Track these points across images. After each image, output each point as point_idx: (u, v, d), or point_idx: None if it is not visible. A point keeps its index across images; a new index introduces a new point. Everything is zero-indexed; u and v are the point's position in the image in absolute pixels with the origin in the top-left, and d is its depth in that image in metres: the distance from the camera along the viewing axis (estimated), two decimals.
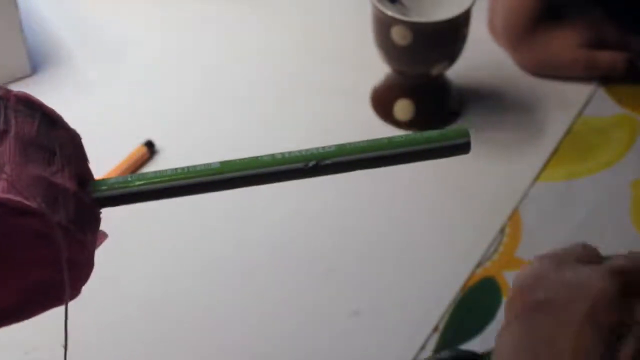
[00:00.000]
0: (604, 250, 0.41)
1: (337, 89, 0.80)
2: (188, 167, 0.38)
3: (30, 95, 0.37)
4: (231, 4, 0.88)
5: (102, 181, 0.38)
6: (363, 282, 0.67)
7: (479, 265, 0.67)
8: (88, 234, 0.36)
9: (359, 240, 0.69)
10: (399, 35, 0.71)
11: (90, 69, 0.82)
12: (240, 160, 0.38)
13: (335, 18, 0.88)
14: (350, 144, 0.39)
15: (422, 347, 0.62)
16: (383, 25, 0.72)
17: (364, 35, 0.77)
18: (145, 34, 0.86)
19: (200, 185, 0.38)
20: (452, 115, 0.78)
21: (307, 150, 0.39)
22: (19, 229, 0.34)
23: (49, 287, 0.37)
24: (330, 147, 0.39)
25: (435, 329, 0.63)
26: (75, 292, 0.37)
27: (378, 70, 0.78)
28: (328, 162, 0.39)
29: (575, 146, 0.76)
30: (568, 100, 0.79)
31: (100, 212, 0.38)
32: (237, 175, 0.38)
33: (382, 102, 0.78)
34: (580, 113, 0.79)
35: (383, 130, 0.76)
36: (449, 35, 0.72)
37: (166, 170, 0.38)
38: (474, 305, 0.65)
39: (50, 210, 0.34)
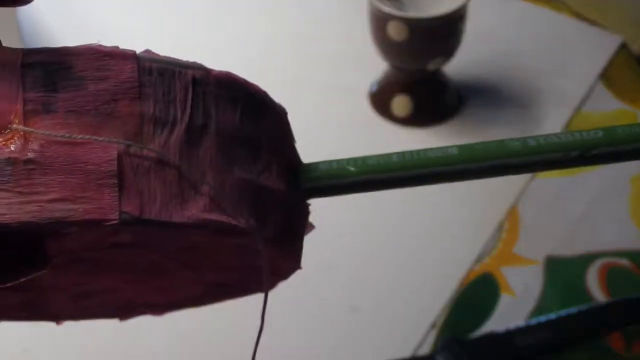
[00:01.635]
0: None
1: (335, 85, 0.80)
2: (417, 153, 0.32)
3: (233, 74, 0.31)
4: (228, 2, 0.88)
5: (312, 167, 0.33)
6: (361, 278, 0.67)
7: (477, 261, 0.67)
8: (296, 243, 0.33)
9: (357, 236, 0.69)
10: (395, 30, 0.71)
11: None
12: (482, 145, 0.32)
13: (332, 14, 0.88)
14: (620, 127, 0.32)
15: (421, 343, 0.62)
16: (379, 21, 0.72)
17: (361, 31, 0.76)
18: (146, 33, 0.86)
19: (433, 176, 0.33)
20: (450, 110, 0.78)
21: (565, 134, 0.31)
22: (221, 243, 0.31)
23: (236, 285, 0.36)
24: (595, 132, 0.32)
25: (434, 325, 0.63)
26: (270, 287, 0.34)
27: (375, 66, 0.78)
28: (596, 151, 0.32)
29: None
30: (567, 95, 0.79)
31: (309, 205, 0.34)
32: (480, 165, 0.32)
33: (380, 98, 0.78)
34: (579, 108, 0.78)
35: (381, 126, 0.76)
36: (446, 31, 0.72)
37: (389, 156, 0.33)
38: (472, 301, 0.65)
39: (258, 226, 0.30)
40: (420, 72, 0.75)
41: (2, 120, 0.27)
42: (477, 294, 0.65)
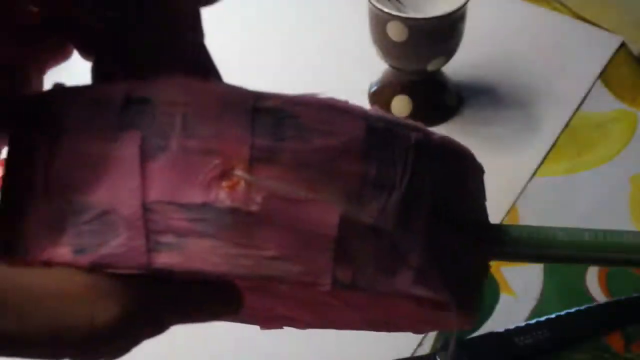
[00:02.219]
0: None
1: (335, 85, 0.80)
2: (612, 235, 0.33)
3: (449, 139, 0.29)
4: (227, 2, 0.88)
5: (503, 231, 0.33)
6: None
7: None
8: (477, 304, 0.32)
9: None
10: (394, 31, 0.71)
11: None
12: None
13: (332, 14, 0.88)
14: None
15: (420, 343, 0.62)
16: (379, 22, 0.72)
17: (361, 32, 0.76)
18: None
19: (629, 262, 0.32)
20: (450, 111, 0.78)
21: None
22: (415, 309, 0.30)
23: (400, 326, 0.36)
24: None
25: None
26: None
27: (375, 66, 0.78)
28: None
29: (574, 141, 0.76)
30: (566, 96, 0.79)
31: (490, 267, 0.33)
32: None
33: (380, 98, 0.78)
34: (578, 108, 0.78)
35: None
36: (445, 31, 0.72)
37: (580, 233, 0.34)
38: None
39: (455, 298, 0.29)
40: (420, 73, 0.75)
41: (226, 164, 0.26)
42: None
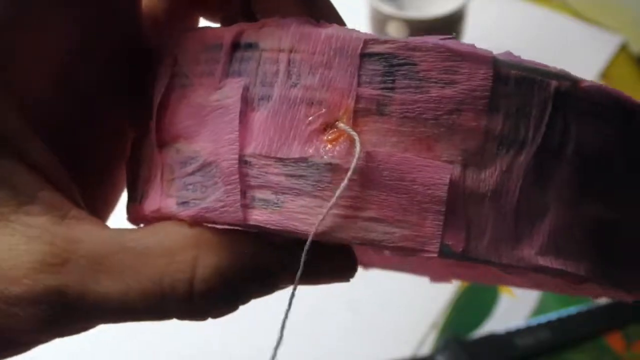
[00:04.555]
0: None
1: None
2: None
3: (606, 87, 0.25)
4: None
5: None
6: (362, 278, 0.66)
7: None
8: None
9: None
10: (395, 31, 0.71)
11: None
12: None
13: None
14: None
15: (421, 343, 0.62)
16: (379, 21, 0.72)
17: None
18: None
19: None
20: None
21: None
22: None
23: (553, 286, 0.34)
24: None
25: (434, 325, 0.63)
26: None
27: None
28: None
29: None
30: None
31: None
32: None
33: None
34: None
35: None
36: (445, 31, 0.72)
37: None
38: (472, 301, 0.65)
39: (600, 270, 0.25)
40: None
41: (330, 115, 0.24)
42: (477, 295, 0.65)
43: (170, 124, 0.26)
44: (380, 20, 0.71)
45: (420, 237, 0.23)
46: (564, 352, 0.62)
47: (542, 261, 0.24)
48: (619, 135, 0.25)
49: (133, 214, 0.28)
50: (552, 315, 0.63)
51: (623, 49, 0.84)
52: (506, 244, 0.24)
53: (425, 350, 0.62)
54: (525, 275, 0.31)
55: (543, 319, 0.62)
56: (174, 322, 0.27)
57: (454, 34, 0.26)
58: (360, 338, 0.63)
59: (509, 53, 0.25)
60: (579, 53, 0.83)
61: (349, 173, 0.23)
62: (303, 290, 0.69)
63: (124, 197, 0.30)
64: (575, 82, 0.25)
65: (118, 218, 0.30)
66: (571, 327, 0.62)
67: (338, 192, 0.23)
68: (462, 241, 0.24)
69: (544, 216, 0.24)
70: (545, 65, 0.25)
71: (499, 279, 0.36)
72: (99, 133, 0.29)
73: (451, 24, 0.72)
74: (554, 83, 0.24)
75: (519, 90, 0.24)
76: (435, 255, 0.23)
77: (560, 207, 0.24)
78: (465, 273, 0.36)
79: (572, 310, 0.63)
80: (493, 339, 0.61)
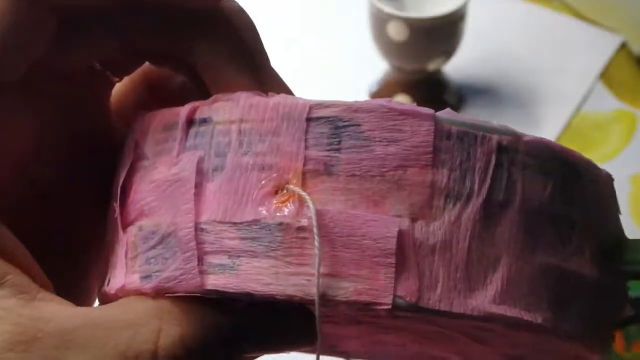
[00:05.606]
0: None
1: (335, 85, 0.80)
2: None
3: (547, 141, 0.26)
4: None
5: (638, 245, 0.28)
6: None
7: None
8: (604, 334, 0.28)
9: None
10: (395, 31, 0.71)
11: None
12: None
13: (332, 14, 0.88)
14: None
15: None
16: (380, 21, 0.72)
17: (361, 31, 0.77)
18: None
19: None
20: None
21: None
22: (515, 334, 0.27)
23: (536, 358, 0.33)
24: None
25: None
26: None
27: (375, 66, 0.78)
28: None
29: (574, 141, 0.76)
30: (566, 96, 0.79)
31: (628, 288, 0.29)
32: None
33: (380, 98, 0.78)
34: (578, 108, 0.79)
35: None
36: (446, 31, 0.72)
37: None
38: None
39: (556, 319, 0.25)
40: (420, 72, 0.75)
41: (280, 178, 0.25)
42: None
43: (133, 203, 0.27)
44: (380, 19, 0.72)
45: (373, 290, 0.24)
46: None
47: (497, 309, 0.24)
48: (560, 187, 0.26)
49: (102, 298, 0.28)
50: None
51: (623, 49, 0.84)
52: (459, 293, 0.24)
53: None
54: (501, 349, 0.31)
55: None
56: None
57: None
58: None
59: (449, 111, 0.25)
60: (579, 53, 0.83)
61: (315, 230, 0.24)
62: None
63: None
64: (517, 136, 0.25)
65: None
66: None
67: (317, 251, 0.24)
68: (415, 292, 0.24)
69: (496, 266, 0.24)
70: (487, 122, 0.25)
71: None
72: (67, 222, 0.30)
73: (451, 23, 0.72)
74: (495, 137, 0.25)
75: (461, 145, 0.25)
76: (389, 307, 0.24)
77: (512, 257, 0.25)
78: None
79: None
80: None
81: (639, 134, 0.76)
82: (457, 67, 0.78)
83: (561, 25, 0.87)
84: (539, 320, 0.25)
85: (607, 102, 0.79)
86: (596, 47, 0.84)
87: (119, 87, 0.30)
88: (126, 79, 0.30)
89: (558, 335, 0.25)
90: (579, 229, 0.26)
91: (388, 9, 0.71)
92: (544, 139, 0.26)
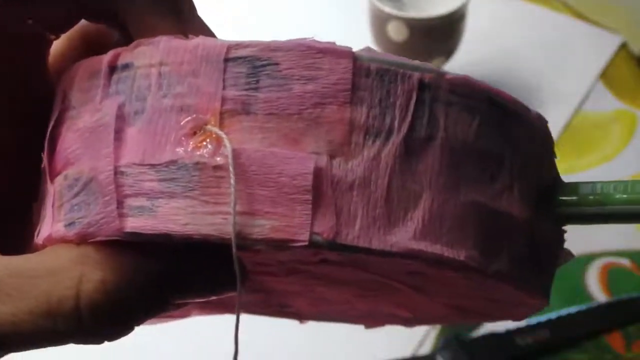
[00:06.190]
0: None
1: None
2: None
3: (471, 79, 0.26)
4: (227, 1, 0.88)
5: (571, 189, 0.28)
6: None
7: None
8: (541, 277, 0.27)
9: None
10: (395, 30, 0.71)
11: None
12: None
13: (332, 14, 0.88)
14: None
15: (421, 343, 0.62)
16: (379, 21, 0.72)
17: (361, 31, 0.76)
18: None
19: None
20: None
21: None
22: (444, 274, 0.26)
23: (482, 313, 0.33)
24: None
25: (434, 325, 0.63)
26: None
27: None
28: None
29: (574, 141, 0.76)
30: (566, 95, 0.79)
31: (564, 231, 0.29)
32: None
33: None
34: (578, 108, 0.78)
35: None
36: (446, 31, 0.72)
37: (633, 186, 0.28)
38: None
39: (485, 258, 0.25)
40: None
41: (198, 119, 0.25)
42: None
43: (59, 153, 0.27)
44: (380, 19, 0.72)
45: (290, 227, 0.24)
46: (564, 352, 0.62)
47: (417, 245, 0.24)
48: (486, 124, 0.26)
49: (32, 251, 0.28)
50: (552, 315, 0.63)
51: (623, 49, 0.84)
52: (379, 230, 0.24)
53: (426, 349, 0.62)
54: (445, 301, 0.30)
55: (543, 318, 0.63)
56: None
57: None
58: (361, 338, 0.63)
59: (369, 48, 0.26)
60: (579, 53, 0.83)
61: (231, 169, 0.24)
62: None
63: None
64: (440, 74, 0.25)
65: None
66: (571, 327, 0.62)
67: (232, 189, 0.24)
68: (332, 229, 0.24)
69: (417, 202, 0.24)
70: (409, 60, 0.25)
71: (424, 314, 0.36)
72: (12, 180, 0.30)
73: (451, 23, 0.72)
74: (417, 75, 0.25)
75: (381, 82, 0.25)
76: (306, 243, 0.24)
77: (434, 192, 0.24)
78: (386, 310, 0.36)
79: (572, 309, 0.63)
80: (493, 338, 0.61)
81: (639, 134, 0.76)
82: (457, 67, 0.78)
83: (561, 25, 0.87)
84: (462, 257, 0.24)
85: (607, 102, 0.79)
86: (596, 47, 0.84)
87: (57, 46, 0.30)
88: (63, 37, 0.30)
89: (486, 275, 0.25)
90: (508, 167, 0.26)
91: (388, 9, 0.71)
92: (469, 77, 0.26)
